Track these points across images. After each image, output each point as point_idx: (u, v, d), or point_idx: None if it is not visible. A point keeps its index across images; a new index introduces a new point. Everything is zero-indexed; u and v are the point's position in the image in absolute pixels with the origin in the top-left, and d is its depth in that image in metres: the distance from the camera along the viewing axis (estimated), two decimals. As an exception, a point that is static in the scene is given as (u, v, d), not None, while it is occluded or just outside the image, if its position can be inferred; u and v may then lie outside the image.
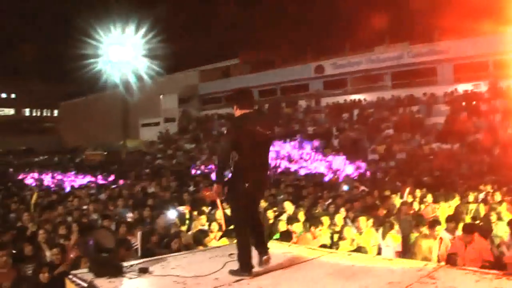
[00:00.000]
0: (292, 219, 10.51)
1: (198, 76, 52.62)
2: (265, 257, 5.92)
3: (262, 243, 6.05)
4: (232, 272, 5.79)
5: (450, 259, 8.01)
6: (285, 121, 36.62)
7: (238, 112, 5.96)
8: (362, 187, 17.40)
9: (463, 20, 29.16)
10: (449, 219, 10.07)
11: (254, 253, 5.94)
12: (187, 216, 13.01)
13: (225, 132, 5.90)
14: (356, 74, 39.41)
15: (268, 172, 6.42)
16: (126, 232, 10.67)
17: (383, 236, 10.14)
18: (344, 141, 29.00)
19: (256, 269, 5.79)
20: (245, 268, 5.76)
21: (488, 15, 26.91)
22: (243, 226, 5.90)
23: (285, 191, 16.86)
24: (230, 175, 5.88)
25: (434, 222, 9.63)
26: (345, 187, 17.39)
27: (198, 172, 27.29)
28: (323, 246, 8.56)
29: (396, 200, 13.80)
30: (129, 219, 12.53)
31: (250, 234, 5.94)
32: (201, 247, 9.20)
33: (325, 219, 10.44)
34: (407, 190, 14.48)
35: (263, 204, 13.48)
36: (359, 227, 10.28)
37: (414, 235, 9.91)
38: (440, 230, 9.44)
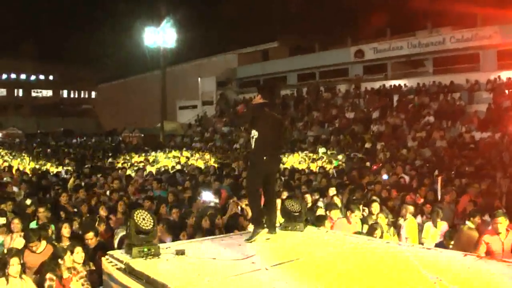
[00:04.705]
0: (330, 205, 10.65)
1: (236, 59, 52.70)
2: (269, 236, 6.87)
3: (271, 222, 7.04)
4: (249, 238, 6.72)
5: None
6: (323, 106, 36.90)
7: (258, 100, 7.11)
8: (402, 174, 17.61)
9: (508, 5, 28.80)
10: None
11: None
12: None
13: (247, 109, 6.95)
14: (397, 59, 39.04)
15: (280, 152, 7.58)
16: (166, 213, 11.21)
17: (434, 224, 10.38)
18: (384, 127, 29.12)
19: (294, 253, 6.01)
20: (257, 224, 6.82)
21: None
22: (255, 190, 6.96)
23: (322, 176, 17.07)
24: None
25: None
26: (384, 176, 17.52)
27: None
28: (358, 233, 8.83)
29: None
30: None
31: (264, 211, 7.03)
32: (237, 231, 9.28)
33: (357, 208, 10.31)
34: (439, 179, 14.53)
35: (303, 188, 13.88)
36: (404, 215, 10.63)
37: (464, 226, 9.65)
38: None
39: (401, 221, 10.66)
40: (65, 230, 8.96)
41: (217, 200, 13.16)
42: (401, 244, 6.97)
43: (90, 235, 8.80)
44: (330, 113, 34.71)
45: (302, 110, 37.50)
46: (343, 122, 32.15)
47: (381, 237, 8.97)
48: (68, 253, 7.29)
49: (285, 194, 11.35)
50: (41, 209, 10.52)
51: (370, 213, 10.51)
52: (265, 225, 6.90)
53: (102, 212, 11.02)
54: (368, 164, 21.51)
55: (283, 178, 16.95)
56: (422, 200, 12.68)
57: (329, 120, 33.52)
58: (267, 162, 6.87)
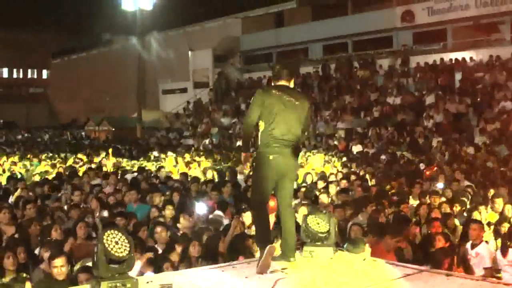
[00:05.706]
0: (369, 224, 10.68)
1: (240, 25, 52.60)
2: (286, 265, 6.85)
3: (287, 245, 7.05)
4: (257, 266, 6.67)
5: None
6: (358, 87, 36.78)
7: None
8: (466, 182, 17.46)
9: None
10: None
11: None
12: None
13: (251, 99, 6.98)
14: (461, 23, 38.71)
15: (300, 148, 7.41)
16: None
17: (503, 251, 10.18)
18: (441, 117, 29.03)
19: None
20: (262, 243, 6.77)
21: None
22: (260, 202, 7.01)
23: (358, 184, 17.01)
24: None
25: None
26: (440, 184, 17.32)
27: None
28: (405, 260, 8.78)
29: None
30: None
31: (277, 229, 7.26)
32: (242, 258, 9.15)
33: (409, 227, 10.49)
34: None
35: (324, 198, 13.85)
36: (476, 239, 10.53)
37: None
38: None
39: (469, 246, 10.58)
40: (8, 262, 8.94)
41: (226, 221, 12.81)
42: (467, 278, 6.91)
43: (59, 261, 8.42)
44: (367, 98, 34.71)
45: (329, 93, 37.50)
46: (385, 110, 32.11)
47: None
48: None
49: (304, 210, 11.33)
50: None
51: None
52: (274, 243, 6.92)
53: (56, 234, 10.82)
54: (420, 167, 21.46)
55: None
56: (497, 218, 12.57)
57: (366, 107, 33.52)
58: (276, 162, 6.82)
